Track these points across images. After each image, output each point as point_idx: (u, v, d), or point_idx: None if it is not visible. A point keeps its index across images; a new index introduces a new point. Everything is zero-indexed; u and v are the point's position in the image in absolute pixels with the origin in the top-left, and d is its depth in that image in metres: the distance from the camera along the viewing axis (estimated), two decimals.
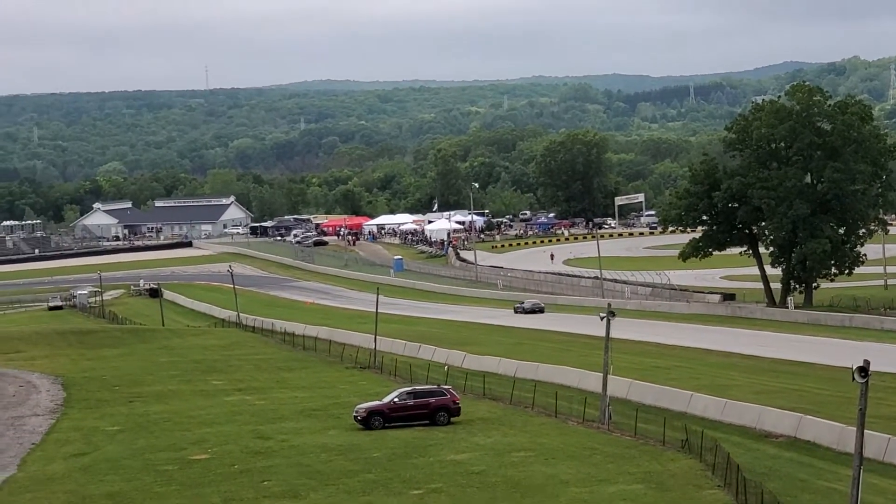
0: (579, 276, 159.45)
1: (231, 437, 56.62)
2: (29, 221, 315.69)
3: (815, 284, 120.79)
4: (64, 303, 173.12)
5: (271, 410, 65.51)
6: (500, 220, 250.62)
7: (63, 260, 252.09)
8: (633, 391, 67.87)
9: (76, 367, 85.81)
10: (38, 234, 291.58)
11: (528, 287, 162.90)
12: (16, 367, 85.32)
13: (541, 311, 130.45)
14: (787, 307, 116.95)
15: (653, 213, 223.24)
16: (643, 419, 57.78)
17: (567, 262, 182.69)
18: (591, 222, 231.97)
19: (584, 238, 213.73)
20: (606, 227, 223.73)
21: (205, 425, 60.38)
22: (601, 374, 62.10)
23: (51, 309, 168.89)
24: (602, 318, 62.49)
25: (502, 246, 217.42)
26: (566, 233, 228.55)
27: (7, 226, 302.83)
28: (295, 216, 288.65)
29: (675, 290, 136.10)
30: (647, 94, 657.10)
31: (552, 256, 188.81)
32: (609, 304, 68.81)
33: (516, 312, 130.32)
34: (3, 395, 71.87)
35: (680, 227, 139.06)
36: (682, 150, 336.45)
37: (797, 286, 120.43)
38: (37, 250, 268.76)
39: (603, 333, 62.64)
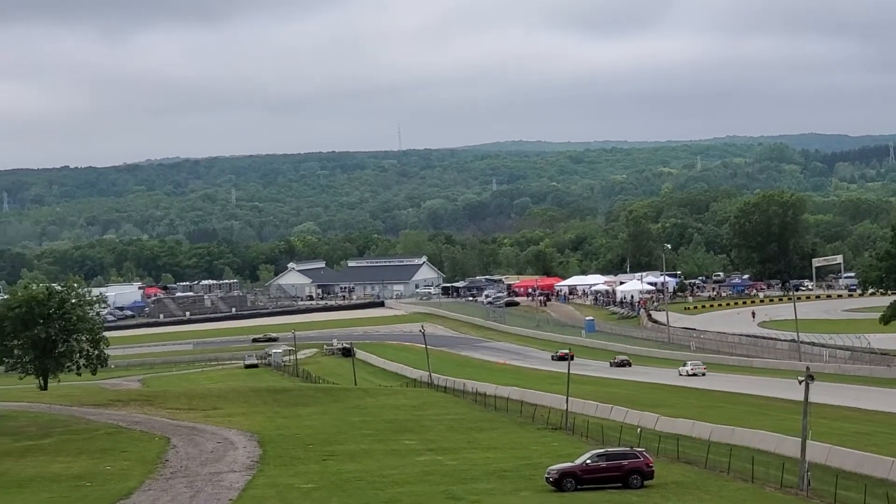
0: (775, 339, 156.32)
1: (423, 497, 56.55)
2: (226, 280, 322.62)
3: None
4: (259, 361, 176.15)
5: (463, 471, 65.30)
6: (693, 281, 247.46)
7: (258, 318, 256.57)
8: (833, 457, 65.92)
9: (271, 425, 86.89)
10: (235, 293, 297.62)
11: (721, 349, 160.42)
12: (214, 424, 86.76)
13: (628, 364, 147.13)
14: None
15: (852, 274, 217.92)
16: (843, 486, 56.08)
17: (762, 325, 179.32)
18: (786, 284, 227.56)
19: (780, 300, 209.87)
20: (803, 288, 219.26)
21: (397, 485, 60.43)
22: (799, 439, 60.51)
23: (247, 367, 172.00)
24: (800, 382, 60.98)
25: (695, 307, 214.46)
26: (761, 295, 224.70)
27: (206, 285, 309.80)
28: (486, 276, 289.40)
29: (876, 353, 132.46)
30: (846, 153, 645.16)
31: (753, 314, 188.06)
32: (807, 368, 67.17)
33: (611, 366, 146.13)
34: (201, 451, 73.06)
35: (881, 290, 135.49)
36: (882, 211, 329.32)
37: None
38: (234, 309, 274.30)
39: (800, 397, 61.10)
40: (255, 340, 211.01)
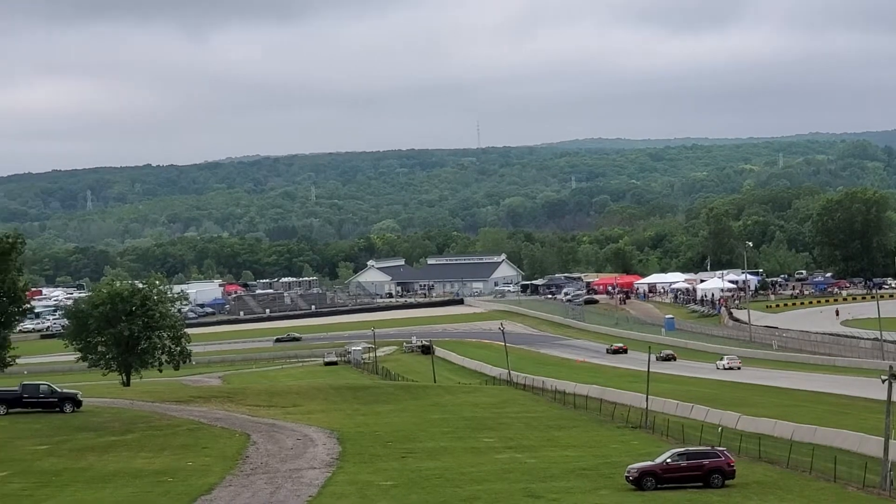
0: (858, 338, 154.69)
1: (502, 495, 56.45)
2: (306, 278, 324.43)
3: None
4: (339, 358, 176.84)
5: (542, 469, 65.13)
6: (775, 279, 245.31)
7: (338, 316, 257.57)
8: None
9: (351, 422, 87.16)
10: (315, 290, 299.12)
11: (804, 348, 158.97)
12: (294, 421, 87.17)
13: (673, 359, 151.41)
14: None
15: None
16: None
17: (845, 323, 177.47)
18: (869, 282, 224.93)
19: (863, 298, 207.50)
20: (886, 287, 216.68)
21: (476, 482, 60.37)
22: (882, 439, 59.79)
23: (326, 364, 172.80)
24: (883, 381, 60.24)
25: (777, 306, 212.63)
26: (844, 293, 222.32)
27: (285, 282, 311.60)
28: (565, 274, 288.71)
29: None
30: None
31: (837, 312, 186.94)
32: (891, 367, 66.27)
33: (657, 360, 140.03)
34: (281, 447, 73.43)
35: None
36: None
37: None
38: (313, 306, 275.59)
39: (884, 396, 60.36)
40: (277, 340, 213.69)
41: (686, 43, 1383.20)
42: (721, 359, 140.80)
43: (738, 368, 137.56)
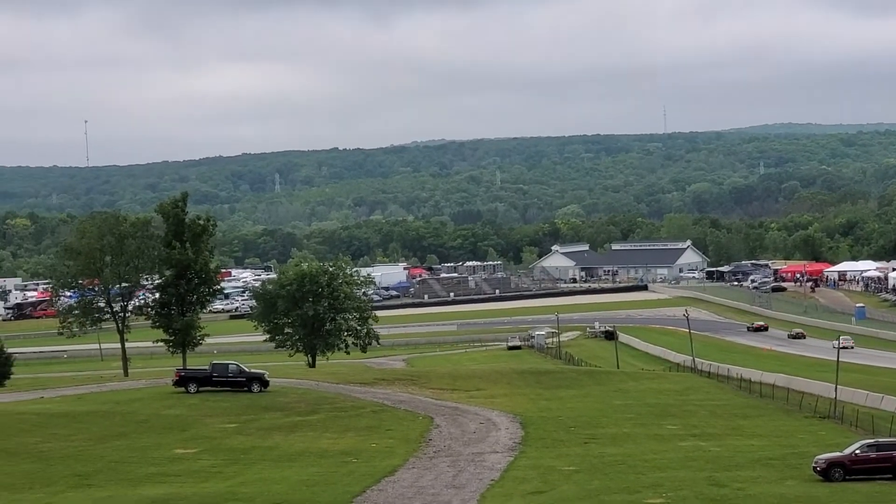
0: None
1: (686, 482, 55.82)
2: (490, 262, 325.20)
3: None
4: (522, 343, 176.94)
5: (726, 457, 64.26)
6: None
7: (522, 300, 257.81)
8: None
9: (534, 407, 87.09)
10: (499, 274, 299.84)
11: None
12: (477, 405, 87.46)
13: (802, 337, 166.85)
14: None
15: None
16: None
17: None
18: None
19: None
20: None
21: (659, 469, 59.83)
22: None
23: (510, 348, 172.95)
24: None
25: None
26: None
27: (470, 266, 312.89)
28: (752, 261, 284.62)
29: None
30: None
31: None
32: None
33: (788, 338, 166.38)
34: (464, 431, 73.73)
35: None
36: None
37: None
38: (497, 290, 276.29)
39: None
40: None
41: (878, 25, 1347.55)
42: (837, 338, 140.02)
43: (852, 348, 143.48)
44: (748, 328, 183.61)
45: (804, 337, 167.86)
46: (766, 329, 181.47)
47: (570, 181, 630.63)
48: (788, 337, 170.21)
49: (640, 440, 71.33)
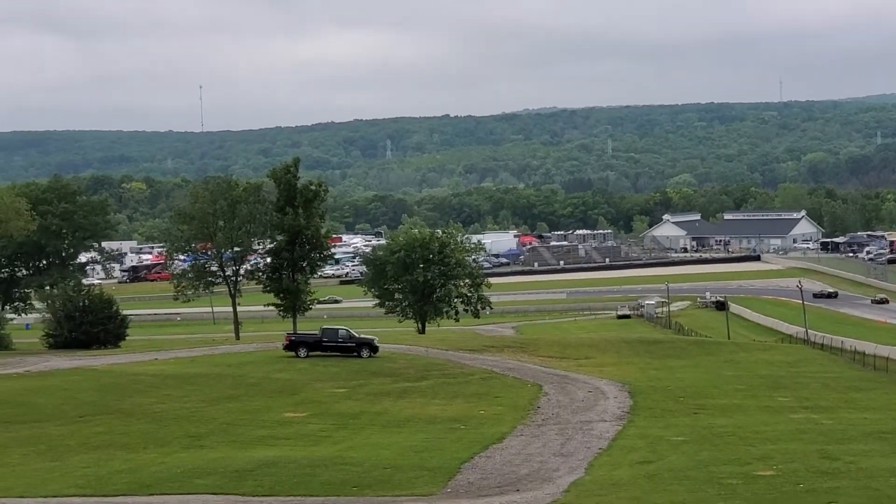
0: None
1: (796, 455, 55.12)
2: (600, 231, 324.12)
3: None
4: (632, 312, 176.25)
5: (839, 430, 63.36)
6: None
7: (632, 270, 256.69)
8: None
9: (643, 376, 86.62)
10: (609, 243, 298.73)
11: None
12: (586, 373, 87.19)
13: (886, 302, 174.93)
14: None
15: None
16: None
17: None
18: None
19: None
20: None
21: (769, 441, 59.13)
22: None
23: (619, 317, 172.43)
24: None
25: None
26: None
27: (580, 234, 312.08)
28: (868, 232, 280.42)
29: None
30: None
31: None
32: None
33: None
34: (573, 399, 73.56)
35: None
36: None
37: None
38: (607, 259, 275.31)
39: None
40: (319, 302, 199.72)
41: None
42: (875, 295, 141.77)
43: (886, 302, 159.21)
44: (872, 301, 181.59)
45: (887, 302, 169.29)
46: (886, 302, 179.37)
47: (682, 150, 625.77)
48: (872, 302, 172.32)
49: (751, 411, 70.63)
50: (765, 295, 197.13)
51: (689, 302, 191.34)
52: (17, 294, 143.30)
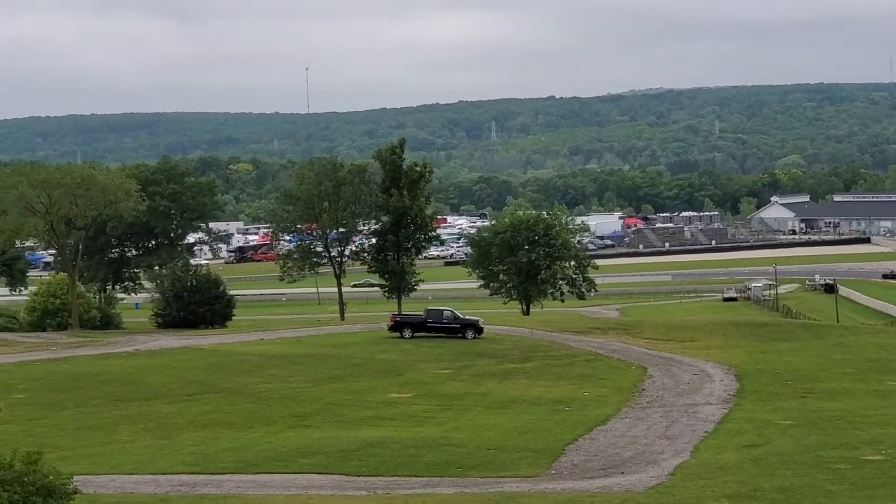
0: None
1: None
2: (707, 213, 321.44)
3: None
4: (738, 294, 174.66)
5: None
6: None
7: (738, 252, 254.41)
8: None
9: (749, 359, 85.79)
10: (716, 225, 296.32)
11: None
12: (691, 356, 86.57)
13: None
14: None
15: None
16: None
17: None
18: None
19: None
20: None
21: (879, 426, 58.32)
22: None
23: (725, 300, 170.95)
24: None
25: None
26: None
27: (686, 216, 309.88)
28: None
29: None
30: None
31: None
32: None
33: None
34: (678, 382, 73.10)
35: None
36: None
37: None
38: (713, 241, 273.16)
39: None
40: (354, 286, 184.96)
41: None
42: None
43: None
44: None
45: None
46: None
47: (791, 131, 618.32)
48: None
49: (860, 395, 69.69)
50: (875, 278, 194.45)
51: (797, 284, 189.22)
52: (127, 274, 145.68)
